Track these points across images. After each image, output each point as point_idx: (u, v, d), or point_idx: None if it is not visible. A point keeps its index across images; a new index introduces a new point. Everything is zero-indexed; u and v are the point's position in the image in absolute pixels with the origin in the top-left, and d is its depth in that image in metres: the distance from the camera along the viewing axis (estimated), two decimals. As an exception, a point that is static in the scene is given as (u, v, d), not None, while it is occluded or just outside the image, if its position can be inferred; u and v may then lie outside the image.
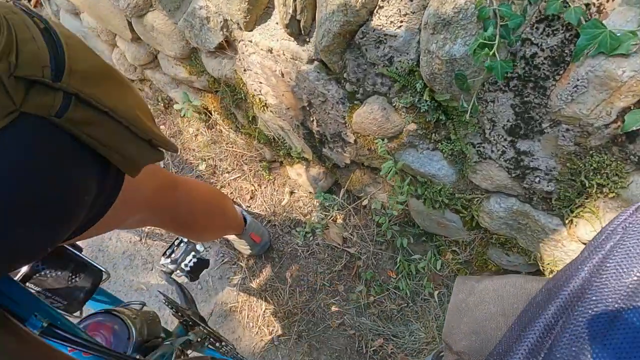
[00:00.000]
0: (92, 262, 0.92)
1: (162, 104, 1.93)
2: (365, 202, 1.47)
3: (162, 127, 1.92)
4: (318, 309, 1.58)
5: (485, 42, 0.77)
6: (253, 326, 1.57)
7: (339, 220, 1.61)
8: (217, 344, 1.07)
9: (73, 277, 0.86)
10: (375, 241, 1.55)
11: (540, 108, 0.88)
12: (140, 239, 1.72)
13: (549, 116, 0.88)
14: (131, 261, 1.68)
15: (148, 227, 1.73)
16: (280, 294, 1.61)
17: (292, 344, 1.54)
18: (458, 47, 0.85)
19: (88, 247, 1.70)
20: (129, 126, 0.51)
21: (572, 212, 0.98)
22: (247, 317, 1.59)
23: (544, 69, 0.82)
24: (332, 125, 1.29)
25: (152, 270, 1.68)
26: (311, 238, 1.66)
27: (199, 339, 1.02)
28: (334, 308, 1.57)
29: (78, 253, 0.91)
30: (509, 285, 0.58)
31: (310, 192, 1.70)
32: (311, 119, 1.33)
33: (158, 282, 1.66)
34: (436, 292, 1.42)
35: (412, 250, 1.48)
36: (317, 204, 1.68)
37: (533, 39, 0.80)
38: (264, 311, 1.59)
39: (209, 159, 1.82)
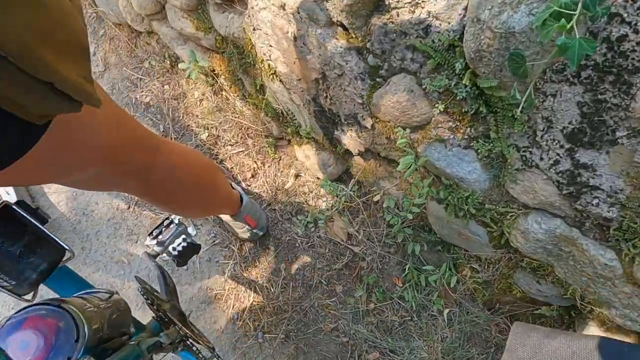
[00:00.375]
0: (54, 237, 0.76)
1: (168, 62, 1.75)
2: (377, 198, 1.28)
3: (165, 87, 1.75)
4: (311, 308, 1.41)
5: (562, 10, 0.56)
6: (237, 318, 1.42)
7: (346, 214, 1.42)
8: (195, 348, 0.92)
9: (26, 252, 0.71)
10: (384, 243, 1.36)
11: (617, 110, 0.66)
12: (129, 207, 1.58)
13: (628, 122, 0.66)
14: (116, 230, 1.55)
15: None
16: (272, 286, 1.45)
17: (277, 344, 1.38)
18: (520, 17, 0.63)
19: (72, 209, 1.57)
20: (14, 61, 0.34)
21: (634, 247, 0.77)
22: (233, 307, 1.44)
23: (633, 59, 0.60)
24: (347, 105, 1.09)
25: (137, 242, 1.54)
26: (312, 229, 1.48)
27: (171, 342, 0.86)
28: (328, 310, 1.41)
29: (38, 224, 0.75)
30: (594, 349, 0.38)
31: (318, 178, 1.52)
32: (324, 94, 1.13)
33: (142, 256, 1.52)
34: (446, 311, 1.24)
35: (425, 259, 1.29)
36: (324, 192, 1.50)
37: (625, 15, 0.58)
38: (252, 303, 1.43)
39: (212, 127, 1.65)
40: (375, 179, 1.27)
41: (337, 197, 1.39)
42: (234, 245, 1.51)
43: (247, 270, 1.48)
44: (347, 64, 0.99)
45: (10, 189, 1.51)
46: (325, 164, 1.42)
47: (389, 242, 1.35)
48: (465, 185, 0.96)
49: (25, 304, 0.65)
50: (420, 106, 0.91)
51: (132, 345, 0.75)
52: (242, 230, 1.46)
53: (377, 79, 0.97)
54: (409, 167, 0.99)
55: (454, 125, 0.91)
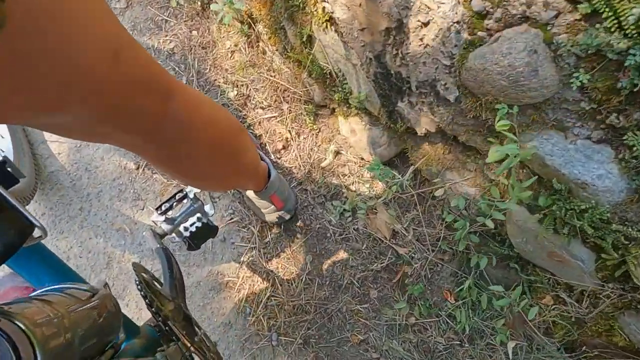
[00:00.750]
0: (19, 208, 0.52)
1: (199, 3, 1.49)
2: (438, 193, 1.02)
3: (193, 32, 1.49)
4: (338, 313, 1.18)
5: None
6: (250, 314, 1.20)
7: (394, 207, 1.17)
8: None
9: None
10: (439, 248, 1.10)
11: None
12: (138, 167, 1.35)
13: None
14: (120, 192, 1.33)
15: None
16: (294, 281, 1.22)
17: (294, 350, 1.16)
18: None
19: (73, 163, 1.35)
20: None
21: None
22: (246, 299, 1.22)
23: None
24: (425, 67, 0.82)
25: (142, 209, 1.33)
26: (349, 219, 1.23)
27: None
28: (358, 318, 1.17)
29: (3, 193, 0.51)
30: None
31: (363, 159, 1.26)
32: (394, 51, 0.86)
33: (146, 234, 1.31)
34: (512, 344, 0.98)
35: (491, 277, 1.03)
36: (369, 176, 1.24)
37: None
38: (268, 298, 1.21)
39: (242, 85, 1.39)
40: (440, 168, 1.01)
41: (387, 185, 1.13)
42: (254, 227, 1.28)
43: (267, 258, 1.25)
44: (438, 7, 0.71)
45: (5, 131, 1.30)
46: (376, 143, 1.16)
47: (445, 248, 1.09)
48: (587, 194, 0.69)
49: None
50: (544, 75, 0.64)
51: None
52: (266, 211, 1.22)
53: (480, 33, 0.69)
54: (506, 160, 0.73)
55: (588, 108, 0.64)
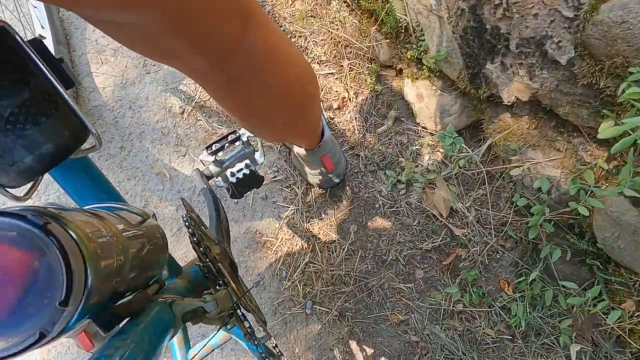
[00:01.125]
0: (75, 108, 0.45)
1: (263, -57, 1.38)
2: (515, 172, 0.91)
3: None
4: (378, 289, 1.11)
5: None
6: (286, 277, 1.14)
7: (456, 183, 1.07)
8: (247, 324, 0.61)
9: (22, 117, 0.41)
10: (504, 234, 1.00)
11: None
12: (183, 112, 1.28)
13: None
14: (163, 135, 1.27)
15: (198, 96, 1.28)
16: (335, 249, 1.14)
17: (328, 321, 1.10)
18: None
19: (118, 99, 1.29)
20: None
21: None
22: (282, 262, 1.15)
23: None
24: (537, 20, 0.70)
25: (184, 156, 1.26)
26: (402, 191, 1.14)
27: (220, 312, 0.54)
28: (400, 297, 1.09)
29: (53, 79, 0.43)
30: None
31: (425, 129, 1.16)
32: (497, 0, 0.75)
33: (188, 174, 1.24)
34: (576, 347, 0.89)
35: (561, 272, 0.93)
36: (433, 145, 1.14)
37: None
38: (306, 264, 1.14)
39: (300, 36, 1.29)
40: (522, 145, 0.90)
41: (452, 158, 1.03)
42: (298, 188, 1.20)
43: (309, 221, 1.17)
44: (574, -55, 0.60)
45: (47, 25, 1.23)
46: (445, 112, 1.05)
47: (511, 233, 0.99)
48: None
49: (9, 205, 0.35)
50: None
51: (161, 307, 0.45)
52: (314, 172, 1.14)
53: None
54: (625, 138, 0.62)
55: None
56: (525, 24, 0.72)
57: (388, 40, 1.10)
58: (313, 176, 1.15)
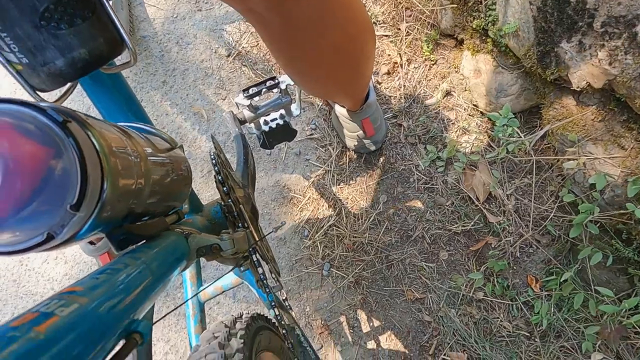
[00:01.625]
0: (113, 17, 0.43)
1: None
2: (569, 165, 0.84)
3: None
4: (399, 263, 1.08)
5: None
6: (307, 236, 1.13)
7: (501, 169, 1.01)
8: (260, 270, 0.60)
9: (56, 15, 0.39)
10: (542, 228, 0.95)
11: None
12: (229, 55, 1.25)
13: None
14: (206, 75, 1.25)
15: (246, 41, 1.24)
16: (361, 217, 1.11)
17: (343, 286, 1.09)
18: None
19: (166, 33, 1.27)
20: None
21: None
22: (306, 221, 1.14)
23: None
24: (632, -3, 0.62)
25: (224, 99, 1.24)
26: (441, 169, 1.09)
27: (235, 252, 0.53)
28: (420, 274, 1.07)
29: None
30: None
31: (476, 107, 1.09)
32: (591, -30, 0.66)
33: (225, 115, 1.23)
34: (598, 357, 0.84)
35: (597, 278, 0.87)
36: (481, 125, 1.07)
37: None
38: (330, 226, 1.12)
39: (360, -9, 1.22)
40: (582, 137, 0.83)
41: (500, 141, 0.96)
42: (333, 149, 1.17)
43: (339, 184, 1.15)
44: None
45: None
46: (502, 91, 0.98)
47: (550, 229, 0.94)
48: None
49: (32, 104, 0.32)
50: None
51: (177, 237, 0.43)
52: (352, 135, 1.10)
53: None
54: None
55: None
56: (618, 0, 0.64)
57: (454, 6, 1.02)
58: (350, 139, 1.11)
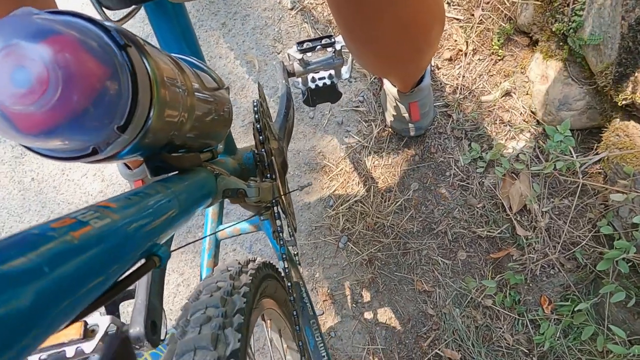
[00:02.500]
0: None
1: None
2: (617, 197, 0.80)
3: None
4: (415, 253, 1.08)
5: None
6: (332, 206, 1.14)
7: (543, 184, 0.97)
8: (279, 223, 0.61)
9: None
10: (570, 253, 0.92)
11: None
12: (292, 9, 1.24)
13: None
14: (265, 25, 1.24)
15: None
16: (389, 199, 1.11)
17: (356, 262, 1.10)
18: None
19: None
20: None
21: None
22: (334, 191, 1.14)
23: None
24: None
25: (279, 53, 1.24)
26: (480, 170, 1.06)
27: (258, 200, 0.55)
28: (433, 268, 1.06)
29: None
30: None
31: (533, 114, 1.04)
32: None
33: (275, 70, 1.23)
34: (593, 392, 0.83)
35: (613, 315, 0.85)
36: (534, 135, 1.03)
37: None
38: (356, 202, 1.12)
39: (441, -32, 1.16)
40: (639, 172, 0.78)
41: (549, 156, 0.92)
42: (376, 126, 1.15)
43: (374, 162, 1.14)
44: None
45: None
46: (566, 104, 0.93)
47: (577, 256, 0.90)
48: None
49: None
50: None
51: (208, 175, 0.45)
52: (397, 116, 1.07)
53: None
54: None
55: None
56: None
57: (538, 3, 0.95)
58: (394, 120, 1.09)
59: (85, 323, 0.50)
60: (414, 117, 1.05)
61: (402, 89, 0.99)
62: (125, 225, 0.23)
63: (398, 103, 1.04)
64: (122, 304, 0.59)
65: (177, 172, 0.39)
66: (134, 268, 0.26)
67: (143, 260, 0.28)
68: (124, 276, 0.25)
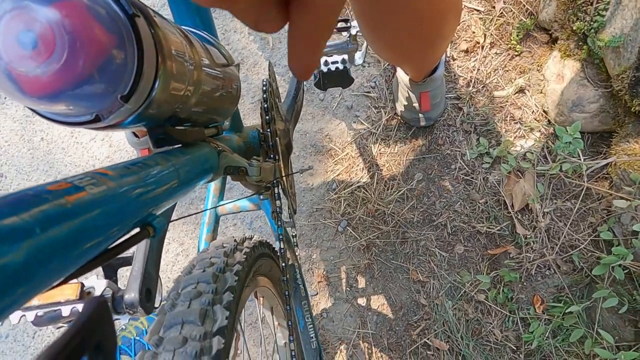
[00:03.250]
0: None
1: None
2: (620, 204, 0.79)
3: None
4: (413, 243, 1.08)
5: None
6: (334, 190, 1.14)
7: (548, 184, 0.97)
8: (278, 203, 0.62)
9: None
10: (567, 256, 0.92)
11: None
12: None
13: None
14: (283, 3, 1.23)
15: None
16: (391, 187, 1.11)
17: (353, 246, 1.11)
18: None
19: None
20: None
21: None
22: (338, 175, 1.15)
23: None
24: None
25: (294, 32, 1.22)
26: (486, 165, 1.05)
27: (260, 180, 0.56)
28: (430, 259, 1.07)
29: None
30: None
31: (545, 114, 1.02)
32: None
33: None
34: (576, 393, 0.84)
35: (603, 320, 0.85)
36: (544, 134, 1.01)
37: None
38: (359, 187, 1.12)
39: (466, -44, 1.13)
40: (645, 178, 0.77)
41: (556, 157, 0.91)
42: (386, 113, 1.14)
43: (380, 150, 1.13)
44: None
45: None
46: (579, 106, 0.91)
47: (574, 259, 0.90)
48: None
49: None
50: None
51: (211, 150, 0.45)
52: (407, 105, 1.07)
53: None
54: None
55: None
56: None
57: (561, 3, 0.93)
58: (404, 109, 1.08)
59: (82, 285, 0.52)
60: (424, 107, 1.04)
61: (415, 78, 0.98)
62: (120, 194, 0.24)
63: (409, 92, 1.03)
64: (120, 270, 0.60)
65: (180, 145, 0.39)
66: (128, 236, 0.27)
67: (138, 229, 0.28)
68: (117, 243, 0.25)
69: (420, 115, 1.07)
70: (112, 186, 0.23)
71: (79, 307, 0.50)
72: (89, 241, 0.20)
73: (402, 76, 1.03)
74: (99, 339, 0.17)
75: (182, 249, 1.19)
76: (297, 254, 0.77)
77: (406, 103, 1.07)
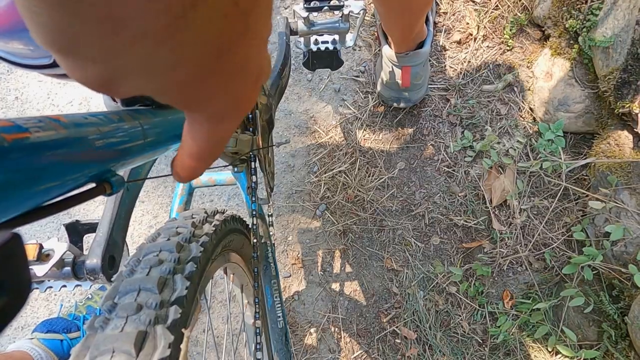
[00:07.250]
0: None
1: None
2: (596, 205, 0.80)
3: None
4: (390, 232, 1.08)
5: None
6: (315, 173, 1.13)
7: (527, 181, 0.97)
8: (254, 178, 0.60)
9: None
10: (540, 254, 0.93)
11: None
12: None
13: None
14: (277, -22, 1.19)
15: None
16: (372, 174, 1.10)
17: (331, 231, 1.10)
18: None
19: None
20: None
21: None
22: (320, 157, 1.13)
23: None
24: None
25: (286, 8, 1.19)
26: (468, 159, 1.05)
27: (235, 152, 0.54)
28: (405, 248, 1.07)
29: None
30: None
31: (531, 111, 1.02)
32: None
33: (278, 25, 1.18)
34: (536, 387, 0.86)
35: (569, 318, 0.86)
36: (528, 131, 1.02)
37: None
38: (340, 172, 1.11)
39: (466, -55, 1.11)
40: (621, 184, 0.78)
41: (538, 155, 0.92)
42: (373, 99, 1.13)
43: (365, 135, 1.12)
44: None
45: None
46: (564, 105, 0.91)
47: (546, 257, 0.92)
48: None
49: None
50: None
51: (182, 116, 0.43)
52: (388, 81, 1.04)
53: None
54: None
55: None
56: None
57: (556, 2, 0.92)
58: (384, 85, 1.05)
59: (41, 246, 0.49)
60: (405, 82, 1.02)
61: (399, 49, 0.96)
62: (70, 142, 0.22)
63: (393, 66, 1.01)
64: (88, 237, 0.58)
65: (152, 107, 0.37)
66: (81, 190, 0.25)
67: (94, 185, 0.27)
68: (67, 196, 0.23)
69: (398, 92, 1.05)
70: (63, 132, 0.21)
71: (37, 269, 0.48)
72: (27, 187, 0.18)
73: (386, 51, 1.00)
74: (3, 279, 0.15)
75: (156, 221, 1.16)
76: (272, 233, 0.76)
77: (387, 78, 1.04)
